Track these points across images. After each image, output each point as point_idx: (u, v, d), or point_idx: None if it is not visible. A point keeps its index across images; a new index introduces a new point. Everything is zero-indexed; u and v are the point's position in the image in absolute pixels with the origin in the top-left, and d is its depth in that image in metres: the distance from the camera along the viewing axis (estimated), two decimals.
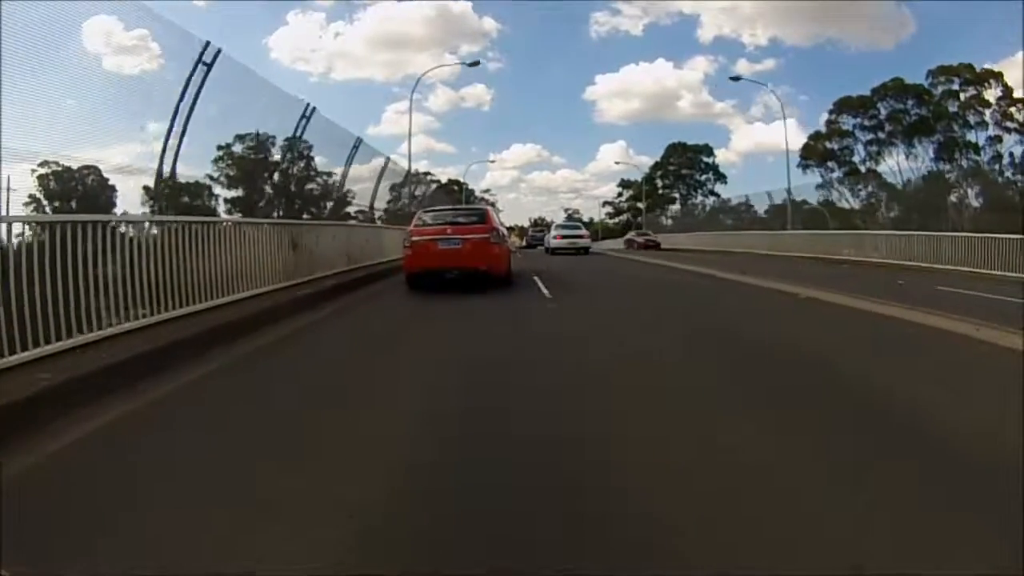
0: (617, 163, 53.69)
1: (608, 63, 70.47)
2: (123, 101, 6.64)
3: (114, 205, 10.14)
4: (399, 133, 66.81)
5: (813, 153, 33.12)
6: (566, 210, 58.16)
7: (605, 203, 55.46)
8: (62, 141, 5.65)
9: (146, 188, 9.41)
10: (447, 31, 60.44)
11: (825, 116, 33.88)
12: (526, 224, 60.12)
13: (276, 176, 12.43)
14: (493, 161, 58.30)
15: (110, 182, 10.09)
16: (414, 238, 7.53)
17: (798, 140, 45.83)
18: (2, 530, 1.44)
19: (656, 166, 49.67)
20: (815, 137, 34.05)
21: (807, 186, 27.39)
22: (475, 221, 7.93)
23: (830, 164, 32.35)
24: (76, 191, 9.35)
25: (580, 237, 20.10)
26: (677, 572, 1.41)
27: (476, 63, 25.64)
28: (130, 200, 8.40)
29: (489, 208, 9.49)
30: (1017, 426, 2.24)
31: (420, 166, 43.17)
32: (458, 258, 7.38)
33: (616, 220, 52.62)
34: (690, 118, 55.24)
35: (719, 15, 61.95)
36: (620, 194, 53.69)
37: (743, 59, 54.50)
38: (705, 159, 48.53)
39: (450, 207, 10.85)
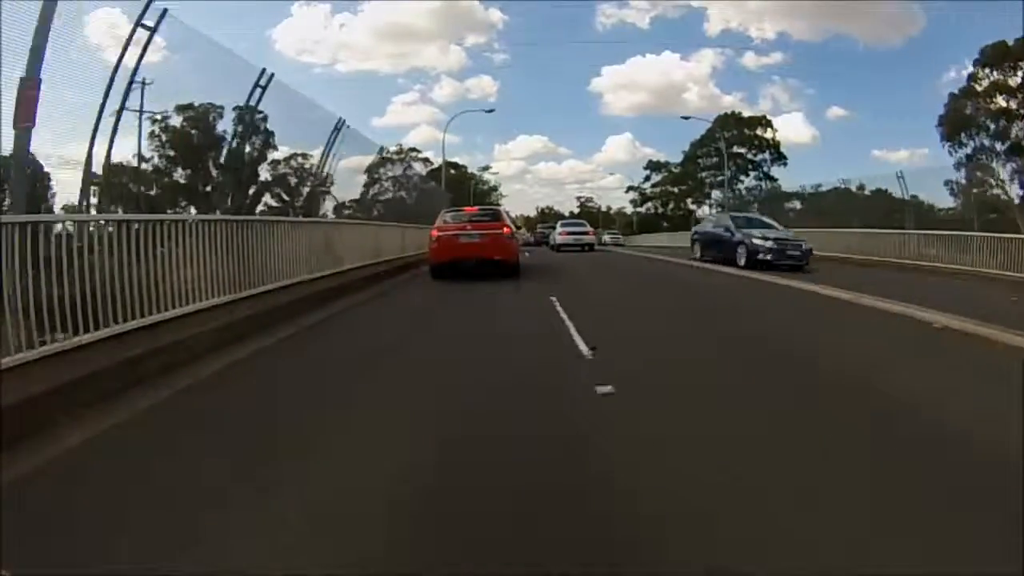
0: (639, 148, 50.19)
1: (615, 55, 72.52)
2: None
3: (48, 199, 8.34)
4: (404, 124, 66.37)
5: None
6: (578, 198, 55.92)
7: (630, 188, 49.47)
8: None
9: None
10: (453, 23, 60.73)
11: (967, 69, 24.36)
12: (533, 214, 58.23)
13: (224, 154, 10.31)
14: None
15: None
16: (439, 234, 9.01)
17: (804, 133, 41.42)
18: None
19: (701, 141, 42.89)
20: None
21: (919, 170, 19.64)
22: (490, 219, 9.48)
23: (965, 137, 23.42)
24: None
25: (584, 234, 20.52)
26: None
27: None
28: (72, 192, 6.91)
29: (501, 208, 10.76)
30: None
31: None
32: (477, 250, 8.88)
33: (645, 208, 47.39)
34: (697, 111, 52.20)
35: (727, 8, 58.10)
36: (647, 178, 47.76)
37: (750, 52, 57.42)
38: (761, 134, 41.42)
39: (465, 209, 10.94)
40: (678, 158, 45.75)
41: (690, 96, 57.27)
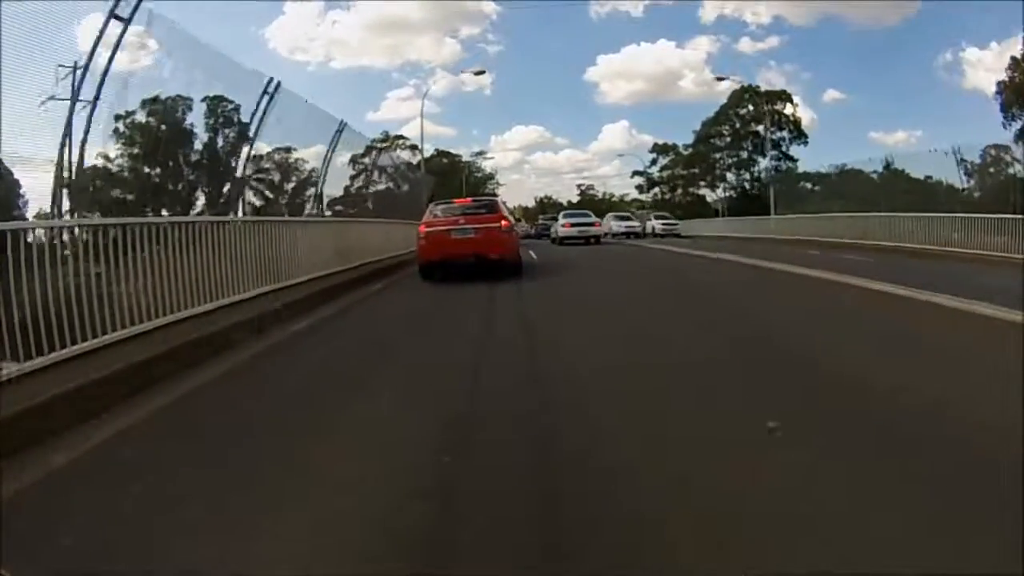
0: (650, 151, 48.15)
1: (609, 44, 69.78)
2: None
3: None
4: (400, 119, 68.62)
5: None
6: (579, 186, 53.69)
7: (635, 173, 47.05)
8: None
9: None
10: (446, 13, 59.03)
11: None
12: (532, 205, 57.02)
13: (196, 148, 9.58)
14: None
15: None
16: (428, 229, 8.00)
17: (803, 117, 39.58)
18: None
19: (715, 119, 40.56)
20: None
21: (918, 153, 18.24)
22: (486, 211, 8.39)
23: None
24: None
25: (590, 226, 18.84)
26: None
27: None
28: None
29: (497, 199, 9.61)
30: None
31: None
32: (472, 246, 7.81)
33: (652, 194, 45.00)
34: (693, 97, 53.94)
35: None
36: (654, 161, 45.18)
37: (746, 38, 59.12)
38: (779, 110, 38.81)
39: (457, 201, 9.72)
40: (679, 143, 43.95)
41: (686, 83, 58.20)
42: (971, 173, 17.79)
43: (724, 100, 41.51)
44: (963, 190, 16.84)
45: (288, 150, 12.63)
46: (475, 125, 76.28)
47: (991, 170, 18.40)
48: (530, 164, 69.62)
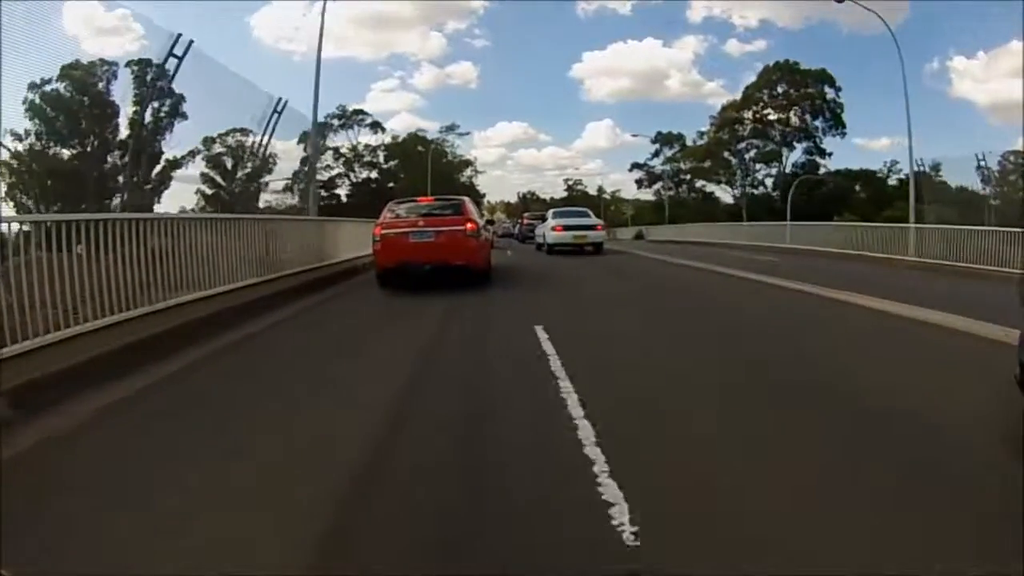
0: (635, 135, 46.66)
1: (595, 41, 70.28)
2: None
3: None
4: (384, 111, 64.90)
5: None
6: (566, 180, 50.90)
7: (634, 166, 42.33)
8: None
9: None
10: (433, 8, 58.43)
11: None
12: (514, 200, 55.61)
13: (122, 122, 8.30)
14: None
15: None
16: (384, 231, 7.32)
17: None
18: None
19: (744, 100, 35.49)
20: None
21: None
22: (451, 212, 7.67)
23: None
24: None
25: (590, 229, 13.84)
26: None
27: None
28: None
29: (466, 199, 8.61)
30: None
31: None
32: (432, 252, 7.13)
33: (654, 191, 40.82)
34: (679, 97, 52.74)
35: None
36: (657, 153, 40.73)
37: (733, 39, 56.97)
38: (813, 92, 33.99)
39: (419, 200, 8.78)
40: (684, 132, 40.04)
41: (672, 83, 57.18)
42: (987, 180, 17.37)
43: (709, 102, 38.90)
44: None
45: (244, 132, 11.29)
46: (460, 120, 76.57)
47: (1011, 177, 18.23)
48: (513, 160, 69.19)
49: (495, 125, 75.91)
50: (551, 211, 16.21)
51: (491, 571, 1.43)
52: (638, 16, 51.08)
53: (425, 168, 29.87)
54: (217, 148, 10.80)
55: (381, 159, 38.16)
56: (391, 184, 35.84)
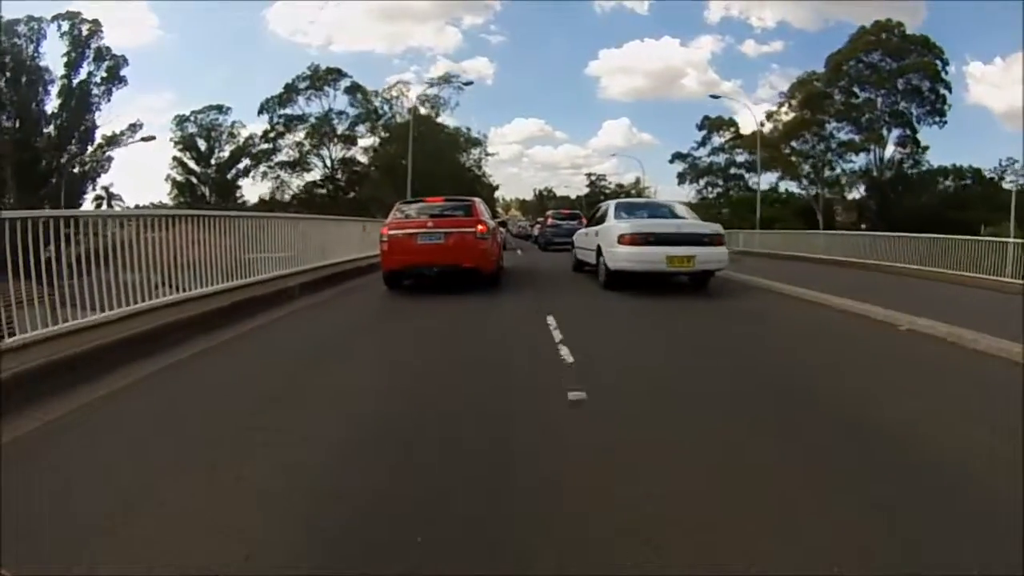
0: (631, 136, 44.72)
1: (612, 39, 71.03)
2: None
3: None
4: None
5: None
6: (588, 175, 50.67)
7: (676, 157, 35.47)
8: None
9: None
10: (449, 3, 59.39)
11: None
12: (530, 197, 54.36)
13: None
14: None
15: None
16: (391, 232, 7.33)
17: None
18: None
19: (833, 73, 29.37)
20: None
21: None
22: (461, 214, 7.68)
23: None
24: None
25: (702, 242, 7.06)
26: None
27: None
28: None
29: (477, 200, 8.49)
30: None
31: None
32: (441, 254, 7.14)
33: (703, 186, 35.13)
34: (696, 97, 54.40)
35: None
36: (703, 142, 34.32)
37: (751, 40, 61.08)
38: (912, 76, 28.46)
39: (428, 200, 8.62)
40: (679, 146, 37.31)
41: (688, 81, 58.81)
42: None
43: (725, 103, 34.68)
44: None
45: (221, 108, 10.27)
46: (476, 115, 74.42)
47: None
48: (529, 157, 70.19)
49: (511, 121, 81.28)
50: (612, 204, 8.62)
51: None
52: (655, 15, 53.65)
53: (429, 152, 26.04)
54: (190, 128, 10.78)
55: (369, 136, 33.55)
56: (373, 166, 32.42)
